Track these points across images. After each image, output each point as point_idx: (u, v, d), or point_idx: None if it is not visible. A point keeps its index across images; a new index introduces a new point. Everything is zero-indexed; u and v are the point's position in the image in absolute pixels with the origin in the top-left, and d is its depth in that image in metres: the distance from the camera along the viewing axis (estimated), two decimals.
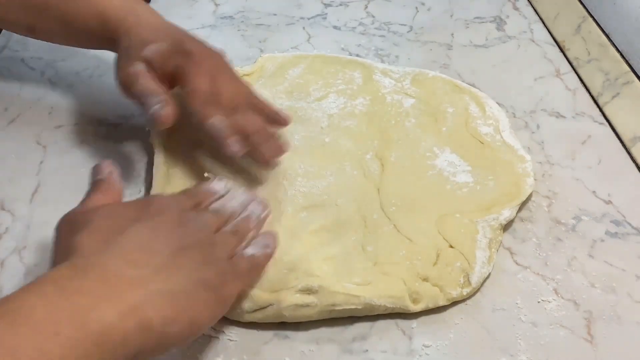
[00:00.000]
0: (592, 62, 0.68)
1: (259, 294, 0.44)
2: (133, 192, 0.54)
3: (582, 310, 0.46)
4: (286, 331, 0.44)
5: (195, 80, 0.50)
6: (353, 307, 0.44)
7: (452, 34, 0.74)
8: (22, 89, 0.64)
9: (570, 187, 0.56)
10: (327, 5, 0.79)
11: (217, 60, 0.53)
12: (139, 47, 0.50)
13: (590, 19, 0.71)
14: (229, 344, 0.44)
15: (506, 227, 0.52)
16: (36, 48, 0.70)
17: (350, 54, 0.71)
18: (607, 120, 0.63)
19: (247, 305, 0.44)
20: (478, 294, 0.47)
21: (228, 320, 0.45)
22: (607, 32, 0.68)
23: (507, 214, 0.50)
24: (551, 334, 0.45)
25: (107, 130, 0.59)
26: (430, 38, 0.73)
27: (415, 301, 0.45)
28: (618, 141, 0.61)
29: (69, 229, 0.38)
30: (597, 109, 0.64)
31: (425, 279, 0.46)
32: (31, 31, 0.57)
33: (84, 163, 0.56)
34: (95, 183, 0.43)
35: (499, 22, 0.76)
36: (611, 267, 0.49)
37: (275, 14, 0.77)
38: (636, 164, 0.58)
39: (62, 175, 0.55)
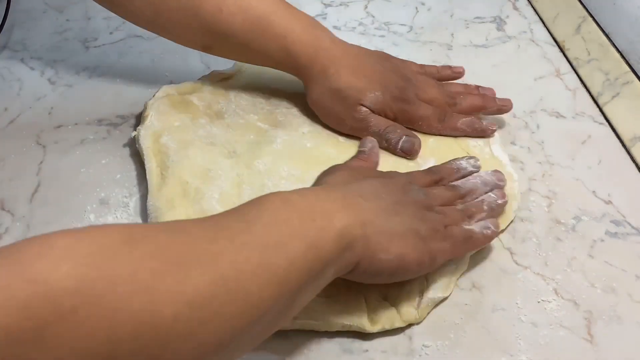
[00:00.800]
0: (592, 62, 0.68)
1: None
2: (133, 193, 0.54)
3: (582, 310, 0.46)
4: (286, 331, 0.44)
5: (419, 115, 0.56)
6: (312, 321, 0.43)
7: (452, 34, 0.74)
8: (22, 89, 0.64)
9: (570, 187, 0.56)
10: (327, 5, 0.79)
11: (403, 77, 0.57)
12: (354, 95, 0.54)
13: (590, 19, 0.71)
14: None
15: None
16: (36, 48, 0.70)
17: None
18: (607, 120, 0.63)
19: None
20: (478, 294, 0.47)
21: None
22: (607, 32, 0.68)
23: None
24: (551, 334, 0.45)
25: (107, 130, 0.59)
26: (430, 38, 0.73)
27: (373, 321, 0.44)
28: (618, 141, 0.61)
29: (324, 174, 0.47)
30: (597, 109, 0.64)
31: (385, 298, 0.45)
32: (208, 50, 0.58)
33: (84, 163, 0.56)
34: (358, 153, 0.53)
35: (499, 22, 0.76)
36: (611, 267, 0.49)
37: None
38: (636, 164, 0.58)
39: (62, 175, 0.55)
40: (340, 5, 0.79)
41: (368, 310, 0.44)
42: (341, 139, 0.57)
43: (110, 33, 0.73)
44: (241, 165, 0.54)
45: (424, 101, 0.57)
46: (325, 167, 0.53)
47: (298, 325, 0.44)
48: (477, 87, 0.61)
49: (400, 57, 0.70)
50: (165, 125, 0.55)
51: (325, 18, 0.76)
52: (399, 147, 0.55)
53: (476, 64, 0.69)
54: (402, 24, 0.76)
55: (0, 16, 0.69)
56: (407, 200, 0.44)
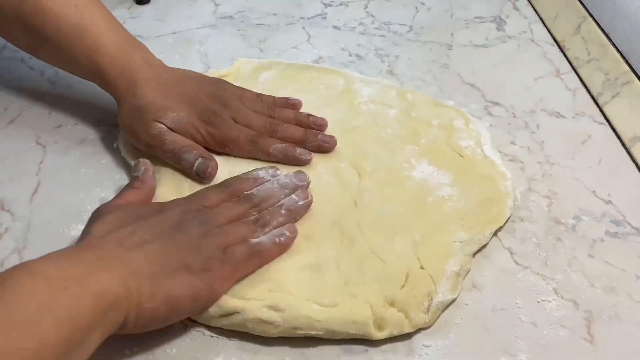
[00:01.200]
0: (592, 62, 0.68)
1: (226, 299, 0.43)
2: None
3: (582, 310, 0.46)
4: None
5: (230, 137, 0.54)
6: (315, 332, 0.43)
7: (452, 34, 0.74)
8: (22, 89, 0.64)
9: (570, 187, 0.56)
10: (327, 5, 0.79)
11: (220, 101, 0.55)
12: (155, 111, 0.52)
13: (590, 19, 0.71)
14: (229, 344, 0.44)
15: (506, 226, 0.52)
16: None
17: (350, 54, 0.71)
18: (607, 120, 0.63)
19: (213, 309, 0.43)
20: (478, 294, 0.47)
21: None
22: (607, 32, 0.68)
23: (484, 240, 0.49)
24: (551, 334, 0.45)
25: (107, 130, 0.59)
26: (430, 38, 0.73)
27: (380, 327, 0.44)
28: (618, 141, 0.61)
29: (92, 218, 0.44)
30: (597, 109, 0.64)
31: (392, 304, 0.44)
32: (32, 51, 0.58)
33: (84, 163, 0.56)
34: (131, 181, 0.50)
35: (499, 22, 0.76)
36: (611, 267, 0.49)
37: (275, 14, 0.77)
38: (636, 164, 0.58)
39: (62, 175, 0.55)
40: (340, 5, 0.79)
41: (374, 317, 0.44)
42: (339, 146, 0.56)
43: None
44: (233, 162, 0.54)
45: (241, 124, 0.55)
46: (318, 170, 0.53)
47: (301, 334, 0.43)
48: (309, 116, 0.57)
49: (401, 57, 0.70)
50: None
51: (325, 18, 0.76)
52: (194, 169, 0.52)
53: (476, 64, 0.69)
54: (402, 24, 0.76)
55: None
56: (180, 235, 0.43)
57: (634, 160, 0.58)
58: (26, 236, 0.50)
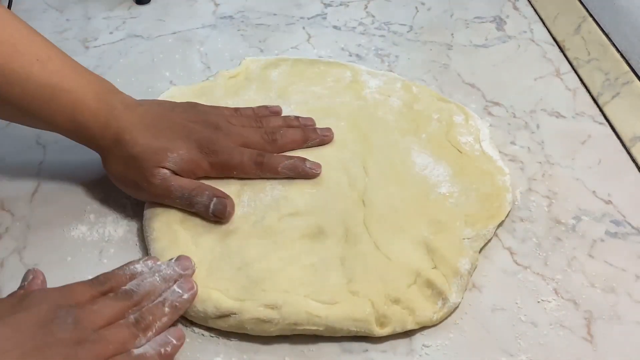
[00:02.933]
0: (592, 62, 0.68)
1: (223, 300, 0.43)
2: (126, 195, 0.54)
3: (582, 310, 0.46)
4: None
5: (234, 163, 0.50)
6: (314, 327, 0.43)
7: (452, 34, 0.74)
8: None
9: (570, 187, 0.56)
10: (327, 5, 0.79)
11: (212, 126, 0.51)
12: (150, 157, 0.48)
13: (590, 19, 0.71)
14: (229, 344, 0.44)
15: (506, 226, 0.52)
16: None
17: (350, 54, 0.71)
18: (607, 120, 0.63)
19: (210, 310, 0.43)
20: (478, 294, 0.47)
21: None
22: (607, 32, 0.68)
23: (488, 235, 0.50)
24: (551, 334, 0.45)
25: None
26: (430, 38, 0.73)
27: (382, 325, 0.44)
28: (618, 141, 0.60)
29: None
30: (597, 109, 0.64)
31: (396, 302, 0.44)
32: (6, 118, 0.53)
33: (84, 163, 0.56)
34: (20, 286, 0.43)
35: (499, 22, 0.76)
36: (611, 267, 0.49)
37: (275, 14, 0.77)
38: (636, 164, 0.58)
39: (62, 175, 0.55)
40: (340, 5, 0.79)
41: (375, 314, 0.44)
42: (344, 133, 0.57)
43: (110, 33, 0.73)
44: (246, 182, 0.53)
45: (240, 145, 0.51)
46: (327, 168, 0.53)
47: (300, 330, 0.44)
48: (297, 118, 0.56)
49: (401, 57, 0.70)
50: None
51: (325, 18, 0.76)
52: (210, 211, 0.48)
53: (476, 64, 0.69)
54: (402, 24, 0.76)
55: None
56: (50, 340, 0.36)
57: (634, 160, 0.58)
58: (26, 236, 0.50)
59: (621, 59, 0.65)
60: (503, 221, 0.51)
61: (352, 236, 0.48)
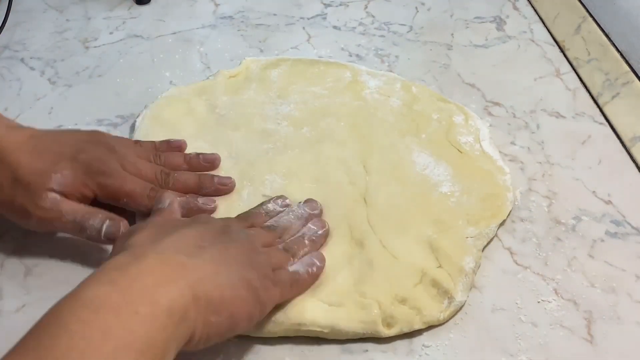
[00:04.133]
0: (592, 62, 0.68)
1: None
2: None
3: (582, 310, 0.46)
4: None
5: (125, 190, 0.48)
6: (319, 329, 0.43)
7: (452, 34, 0.74)
8: (22, 89, 0.64)
9: (570, 187, 0.56)
10: (327, 5, 0.79)
11: (105, 147, 0.49)
12: (36, 179, 0.45)
13: (590, 19, 0.71)
14: (229, 344, 0.44)
15: (506, 226, 0.52)
16: (36, 48, 0.70)
17: (350, 54, 0.71)
18: (607, 120, 0.63)
19: None
20: (478, 294, 0.47)
21: None
22: (607, 32, 0.68)
23: (491, 234, 0.50)
24: (551, 334, 0.45)
25: (106, 130, 0.59)
26: (430, 38, 0.73)
27: (389, 325, 0.44)
28: (618, 141, 0.60)
29: (125, 236, 0.40)
30: (597, 109, 0.64)
31: (403, 301, 0.44)
32: None
33: None
34: (155, 211, 0.46)
35: (499, 22, 0.76)
36: (611, 267, 0.49)
37: (275, 14, 0.77)
38: (636, 164, 0.58)
39: None
40: (340, 5, 0.79)
41: (382, 315, 0.44)
42: (344, 133, 0.57)
43: (110, 33, 0.73)
44: (242, 164, 0.54)
45: (132, 174, 0.49)
46: (326, 167, 0.54)
47: (305, 332, 0.43)
48: (198, 156, 0.54)
49: (401, 57, 0.70)
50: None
51: (325, 18, 0.76)
52: (102, 234, 0.46)
53: (476, 64, 0.69)
54: (402, 24, 0.76)
55: (1, 17, 0.69)
56: (232, 244, 0.40)
57: (634, 160, 0.58)
58: (26, 236, 0.50)
59: (621, 59, 0.65)
60: (504, 221, 0.51)
61: (358, 234, 0.48)
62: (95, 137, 0.50)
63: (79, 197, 0.47)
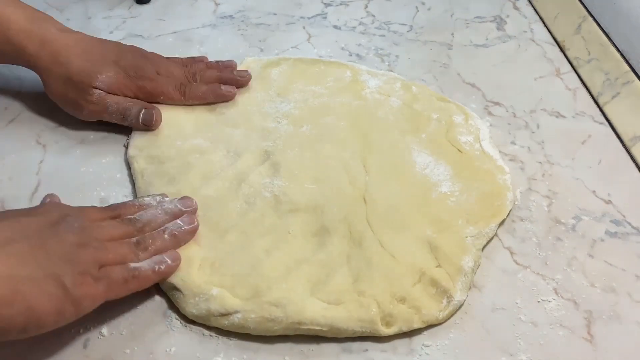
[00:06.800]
0: (592, 62, 0.68)
1: (228, 297, 0.44)
2: (133, 192, 0.54)
3: (582, 310, 0.46)
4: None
5: (160, 89, 0.58)
6: (319, 327, 0.43)
7: (452, 34, 0.74)
8: (22, 88, 0.64)
9: (570, 187, 0.56)
10: (327, 5, 0.79)
11: (141, 55, 0.59)
12: (86, 77, 0.55)
13: (590, 19, 0.71)
14: (229, 343, 0.44)
15: (506, 227, 0.52)
16: None
17: (351, 54, 0.71)
18: (607, 120, 0.63)
19: (213, 307, 0.43)
20: (478, 294, 0.47)
21: None
22: (607, 32, 0.68)
23: (490, 233, 0.50)
24: (551, 334, 0.45)
25: (107, 130, 0.59)
26: (430, 38, 0.73)
27: (388, 324, 0.44)
28: (618, 141, 0.61)
29: None
30: (597, 109, 0.64)
31: (402, 300, 0.44)
32: None
33: (84, 163, 0.56)
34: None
35: (499, 22, 0.76)
36: (611, 267, 0.49)
37: (275, 14, 0.77)
38: (636, 164, 0.58)
39: (62, 175, 0.55)
40: (341, 4, 0.79)
41: (381, 314, 0.44)
42: (344, 132, 0.57)
43: (110, 32, 0.73)
44: (241, 162, 0.54)
45: (164, 76, 0.58)
46: (326, 166, 0.53)
47: (304, 330, 0.43)
48: (218, 62, 0.63)
49: (401, 57, 0.70)
50: (150, 141, 0.57)
51: (325, 17, 0.76)
52: (140, 120, 0.56)
53: (476, 64, 0.69)
54: (402, 24, 0.76)
55: None
56: (54, 240, 0.40)
57: (634, 160, 0.58)
58: None
59: (621, 59, 0.65)
60: (504, 220, 0.51)
61: (357, 234, 0.48)
62: (133, 47, 0.60)
63: (121, 94, 0.56)
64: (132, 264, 0.43)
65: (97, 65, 0.55)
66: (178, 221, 0.47)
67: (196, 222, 0.48)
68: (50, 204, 0.46)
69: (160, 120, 0.57)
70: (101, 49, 0.57)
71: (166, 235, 0.46)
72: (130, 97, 0.57)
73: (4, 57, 0.56)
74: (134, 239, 0.44)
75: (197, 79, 0.60)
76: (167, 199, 0.49)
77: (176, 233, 0.46)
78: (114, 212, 0.46)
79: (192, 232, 0.47)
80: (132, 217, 0.46)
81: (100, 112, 0.56)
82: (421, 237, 0.48)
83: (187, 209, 0.48)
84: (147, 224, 0.46)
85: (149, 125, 0.56)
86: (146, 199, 0.48)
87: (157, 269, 0.44)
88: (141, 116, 0.56)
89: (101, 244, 0.42)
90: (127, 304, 0.45)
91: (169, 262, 0.45)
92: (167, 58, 0.62)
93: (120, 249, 0.43)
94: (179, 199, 0.49)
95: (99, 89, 0.55)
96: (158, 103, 0.58)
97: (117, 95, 0.56)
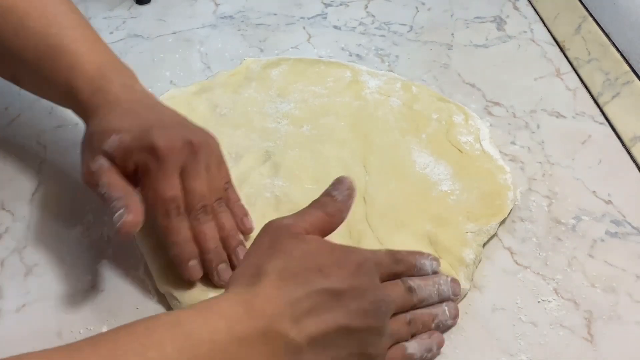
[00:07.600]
0: (592, 62, 0.68)
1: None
2: None
3: (582, 310, 0.46)
4: None
5: (157, 185, 0.44)
6: None
7: (452, 34, 0.74)
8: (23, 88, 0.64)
9: (570, 187, 0.56)
10: (327, 5, 0.79)
11: (188, 152, 0.44)
12: (101, 137, 0.44)
13: (591, 19, 0.71)
14: None
15: (506, 227, 0.52)
16: None
17: (351, 54, 0.71)
18: (607, 120, 0.63)
19: None
20: (478, 294, 0.47)
21: None
22: (607, 32, 0.68)
23: (491, 231, 0.50)
24: (551, 334, 0.45)
25: None
26: (430, 38, 0.73)
27: None
28: (618, 141, 0.60)
29: (271, 243, 0.38)
30: (597, 109, 0.64)
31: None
32: (16, 81, 0.53)
33: None
34: (323, 200, 0.42)
35: (499, 22, 0.76)
36: (611, 267, 0.49)
37: (275, 14, 0.77)
38: (636, 164, 0.58)
39: (62, 175, 0.55)
40: (341, 5, 0.79)
41: None
42: (345, 132, 0.57)
43: (111, 33, 0.73)
44: (243, 163, 0.54)
45: (182, 184, 0.45)
46: (327, 167, 0.53)
47: None
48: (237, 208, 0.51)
49: (401, 57, 0.70)
50: None
51: (325, 18, 0.76)
52: (113, 218, 0.42)
53: (476, 64, 0.69)
54: (402, 24, 0.76)
55: None
56: (358, 324, 0.37)
57: (634, 160, 0.58)
58: (26, 236, 0.50)
59: (621, 59, 0.65)
60: (504, 220, 0.51)
61: (356, 233, 0.48)
62: (185, 129, 0.46)
63: (122, 170, 0.45)
64: (409, 349, 0.41)
65: (122, 124, 0.44)
66: (446, 311, 0.43)
67: (457, 319, 0.44)
68: (357, 256, 0.39)
69: (131, 230, 0.41)
70: (147, 113, 0.46)
71: (433, 325, 0.43)
72: (130, 170, 0.45)
73: (59, 96, 0.50)
74: (407, 316, 0.41)
75: (215, 212, 0.46)
76: (441, 274, 0.45)
77: (441, 326, 0.43)
78: (398, 267, 0.42)
79: (452, 325, 0.44)
80: (414, 286, 0.42)
81: (90, 186, 0.45)
82: (420, 232, 0.49)
83: (454, 297, 0.44)
84: (422, 302, 0.43)
85: (117, 228, 0.41)
86: (425, 262, 0.44)
87: (425, 356, 0.41)
88: (115, 216, 0.42)
89: (390, 332, 0.39)
90: (128, 304, 0.45)
91: (435, 350, 0.42)
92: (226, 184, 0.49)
93: (400, 330, 0.41)
94: (452, 283, 0.44)
95: (105, 157, 0.44)
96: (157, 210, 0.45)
97: (114, 174, 0.44)
